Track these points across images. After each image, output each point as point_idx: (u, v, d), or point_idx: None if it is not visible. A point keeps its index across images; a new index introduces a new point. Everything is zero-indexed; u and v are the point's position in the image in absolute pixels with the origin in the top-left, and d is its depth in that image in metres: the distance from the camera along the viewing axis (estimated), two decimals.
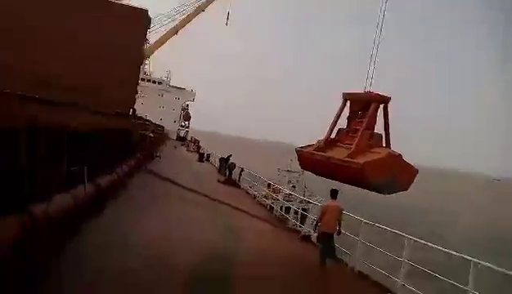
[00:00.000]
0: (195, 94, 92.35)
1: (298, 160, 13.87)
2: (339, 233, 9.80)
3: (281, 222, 15.68)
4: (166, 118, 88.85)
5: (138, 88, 76.84)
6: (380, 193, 12.18)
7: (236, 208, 16.04)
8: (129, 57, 22.89)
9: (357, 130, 12.83)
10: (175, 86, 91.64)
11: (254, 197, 21.07)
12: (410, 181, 12.60)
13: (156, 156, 31.07)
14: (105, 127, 15.90)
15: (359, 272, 9.61)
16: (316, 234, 10.74)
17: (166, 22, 70.73)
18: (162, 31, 72.09)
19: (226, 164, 28.95)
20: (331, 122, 14.21)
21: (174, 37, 73.25)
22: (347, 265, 10.40)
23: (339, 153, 12.89)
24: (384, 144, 13.00)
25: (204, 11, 72.32)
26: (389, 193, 12.34)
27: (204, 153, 42.43)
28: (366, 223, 10.21)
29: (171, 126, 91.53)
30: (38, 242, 5.30)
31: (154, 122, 68.02)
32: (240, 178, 26.11)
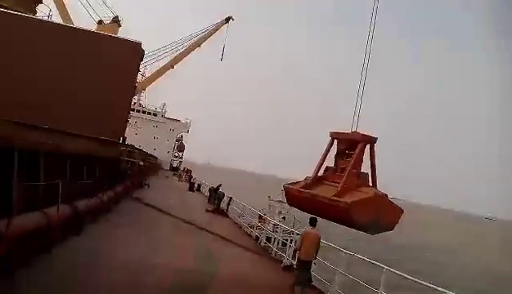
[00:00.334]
0: (189, 126, 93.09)
1: (286, 196, 14.14)
2: (315, 260, 9.87)
3: (266, 252, 15.58)
4: (160, 148, 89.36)
5: (134, 119, 77.07)
6: (366, 232, 12.51)
7: (221, 237, 15.93)
8: (121, 88, 23.39)
9: (344, 169, 13.31)
10: (170, 118, 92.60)
11: (241, 227, 20.95)
12: (396, 221, 12.94)
13: (145, 184, 31.02)
14: (89, 153, 16.12)
15: None
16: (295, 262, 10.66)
17: (162, 57, 71.98)
18: (158, 65, 73.34)
19: (215, 194, 28.87)
20: (319, 160, 14.86)
21: (170, 71, 74.54)
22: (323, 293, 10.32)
23: (326, 192, 13.32)
24: (370, 184, 13.60)
25: (200, 46, 73.91)
26: (374, 234, 12.65)
27: (194, 183, 42.28)
28: (346, 253, 10.17)
29: (165, 156, 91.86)
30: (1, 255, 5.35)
31: (147, 152, 68.72)
32: (228, 207, 26.01)
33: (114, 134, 22.59)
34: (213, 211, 24.82)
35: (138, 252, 10.32)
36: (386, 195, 13.04)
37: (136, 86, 26.44)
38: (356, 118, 14.57)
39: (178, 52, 71.82)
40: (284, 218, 34.10)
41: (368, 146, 13.86)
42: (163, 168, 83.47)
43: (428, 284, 7.51)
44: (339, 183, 13.07)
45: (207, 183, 42.38)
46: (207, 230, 16.95)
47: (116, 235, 11.87)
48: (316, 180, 14.58)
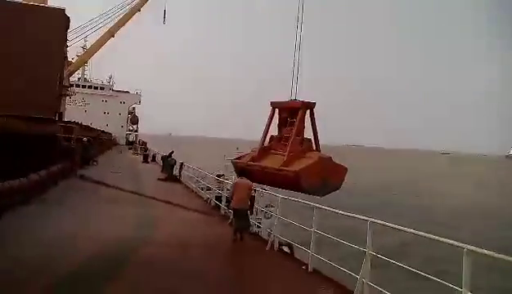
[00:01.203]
0: (140, 96, 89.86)
1: (236, 171, 14.15)
2: (252, 211, 10.11)
3: (215, 210, 15.32)
4: (112, 123, 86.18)
5: (80, 96, 73.29)
6: (316, 195, 12.85)
7: (168, 203, 15.50)
8: (47, 60, 21.61)
9: (288, 137, 13.55)
10: (119, 90, 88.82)
11: (192, 191, 20.55)
12: (342, 180, 13.46)
13: (93, 161, 29.72)
14: (16, 132, 14.89)
15: (272, 245, 9.39)
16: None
17: (100, 25, 67.82)
18: (97, 35, 69.19)
19: (167, 161, 28.12)
20: (263, 132, 14.93)
21: (112, 41, 70.59)
22: (263, 239, 10.27)
23: (274, 162, 13.64)
24: (314, 148, 13.85)
25: (140, 10, 70.09)
26: (323, 195, 13.04)
27: (148, 154, 41.20)
28: (283, 198, 10.00)
29: (119, 131, 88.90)
30: None
31: (98, 128, 65.97)
32: (180, 174, 25.44)
33: (46, 111, 21.08)
34: (164, 179, 24.24)
35: (69, 227, 9.72)
36: (330, 157, 13.54)
37: (66, 57, 24.58)
38: (295, 85, 14.76)
39: (117, 19, 67.81)
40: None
41: (308, 112, 14.18)
42: (118, 144, 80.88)
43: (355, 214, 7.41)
44: (284, 151, 13.44)
45: (163, 153, 41.45)
46: (153, 198, 16.45)
47: (48, 213, 11.16)
48: (263, 151, 14.81)
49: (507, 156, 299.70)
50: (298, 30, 15.11)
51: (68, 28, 24.56)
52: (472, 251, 4.37)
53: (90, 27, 67.52)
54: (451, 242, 4.69)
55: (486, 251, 4.26)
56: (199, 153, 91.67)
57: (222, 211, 14.24)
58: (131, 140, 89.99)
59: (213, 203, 16.14)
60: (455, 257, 5.04)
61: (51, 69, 22.04)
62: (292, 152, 13.33)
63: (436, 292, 5.98)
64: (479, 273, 4.83)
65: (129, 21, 69.83)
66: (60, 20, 22.76)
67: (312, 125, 14.37)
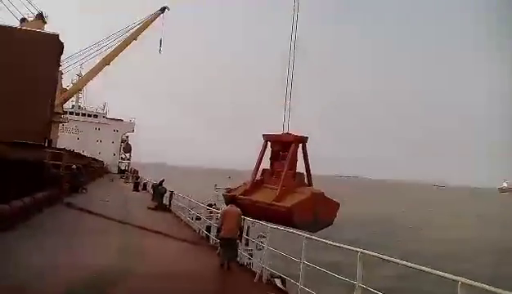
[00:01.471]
0: (134, 124, 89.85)
1: (228, 204, 13.95)
2: (241, 238, 10.01)
3: (204, 240, 14.89)
4: (105, 151, 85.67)
5: (73, 124, 72.97)
6: (308, 230, 12.83)
7: (156, 232, 15.06)
8: (39, 85, 21.47)
9: (280, 171, 13.51)
10: (112, 118, 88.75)
11: (181, 220, 20.09)
12: (333, 216, 13.44)
13: (82, 189, 29.19)
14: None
15: (260, 276, 9.02)
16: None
17: (95, 53, 68.47)
18: (93, 63, 69.74)
19: (158, 190, 27.65)
20: (255, 164, 14.90)
21: (107, 68, 71.14)
22: (252, 271, 9.88)
23: (265, 196, 13.50)
24: (306, 182, 13.79)
25: (136, 39, 71.03)
26: (316, 231, 12.96)
27: (139, 183, 40.67)
28: (272, 228, 9.71)
29: (111, 159, 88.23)
30: None
31: (92, 156, 65.39)
32: (170, 202, 24.98)
33: (34, 136, 20.77)
34: (154, 208, 23.75)
35: (49, 256, 9.28)
36: (322, 193, 13.51)
37: (58, 83, 24.48)
38: (287, 118, 14.90)
39: (113, 47, 68.52)
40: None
41: (300, 145, 14.26)
42: (110, 172, 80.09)
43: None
44: (277, 185, 13.33)
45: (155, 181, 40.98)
46: (141, 227, 15.98)
47: (28, 241, 10.70)
48: (255, 184, 14.68)
49: (500, 189, 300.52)
50: (290, 70, 15.25)
51: (61, 53, 24.57)
52: (466, 284, 4.11)
53: (86, 54, 68.27)
54: (444, 274, 4.43)
55: (481, 285, 4.00)
56: (192, 182, 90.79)
57: (212, 242, 13.83)
58: (123, 168, 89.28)
59: (202, 233, 15.71)
60: (449, 291, 4.76)
61: (42, 95, 21.89)
62: (284, 186, 13.28)
63: None
64: None
65: (124, 50, 70.70)
66: (54, 45, 22.78)
67: (305, 159, 14.50)
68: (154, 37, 73.73)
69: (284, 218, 12.16)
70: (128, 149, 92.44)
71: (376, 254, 5.76)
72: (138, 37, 70.70)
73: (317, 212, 12.47)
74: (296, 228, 12.25)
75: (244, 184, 15.90)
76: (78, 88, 74.52)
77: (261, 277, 9.10)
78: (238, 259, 11.13)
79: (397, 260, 5.29)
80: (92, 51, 68.29)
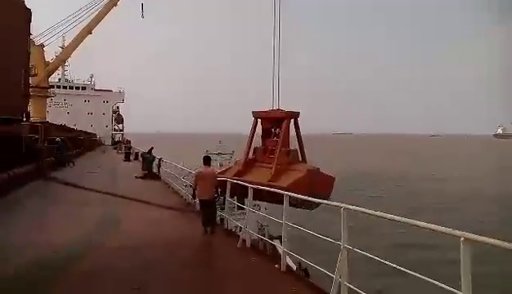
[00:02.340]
0: (123, 94, 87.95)
1: (221, 188, 13.28)
2: (218, 198, 9.84)
3: (191, 206, 14.21)
4: (97, 123, 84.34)
5: (62, 97, 70.90)
6: (307, 209, 12.39)
7: (141, 201, 14.34)
8: (9, 57, 20.12)
9: (273, 148, 13.04)
10: (101, 90, 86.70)
11: (169, 187, 19.40)
12: (330, 191, 12.93)
13: (70, 162, 28.36)
14: None
15: (244, 241, 8.35)
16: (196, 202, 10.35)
17: (76, 23, 65.74)
18: (74, 33, 67.09)
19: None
20: (247, 143, 14.25)
21: (91, 38, 68.54)
22: (238, 235, 9.22)
23: (260, 176, 12.95)
24: (300, 158, 13.34)
25: (116, 5, 68.05)
26: (314, 208, 12.41)
27: (130, 153, 39.81)
28: (252, 187, 8.94)
29: (104, 131, 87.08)
30: None
31: (83, 129, 64.24)
32: (159, 170, 24.23)
33: (10, 110, 19.67)
34: (142, 177, 23.02)
35: (19, 232, 8.63)
36: (318, 169, 12.93)
37: (29, 53, 23.06)
38: (276, 94, 14.11)
39: (94, 15, 65.76)
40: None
41: (292, 121, 13.52)
42: (104, 144, 79.06)
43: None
44: (270, 164, 12.66)
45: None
46: (126, 197, 15.26)
47: (1, 218, 9.95)
48: (248, 164, 13.94)
49: (495, 135, 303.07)
50: (276, 37, 14.25)
51: (30, 21, 23.04)
52: (470, 239, 3.32)
53: (67, 24, 65.67)
54: (444, 230, 3.63)
55: (488, 239, 3.21)
56: (185, 148, 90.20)
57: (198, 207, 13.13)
58: (117, 139, 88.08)
59: (188, 200, 15.01)
60: (451, 247, 3.98)
61: (13, 67, 20.60)
62: (279, 164, 12.70)
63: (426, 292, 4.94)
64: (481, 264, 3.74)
65: (107, 16, 67.93)
66: (20, 12, 21.29)
67: (298, 135, 14.02)
68: (136, 2, 70.91)
69: (281, 198, 11.62)
70: (119, 119, 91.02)
71: (362, 209, 4.97)
72: (118, 3, 67.83)
73: (314, 189, 11.98)
74: (294, 207, 11.90)
75: (235, 163, 15.37)
76: (61, 60, 71.99)
77: (244, 241, 8.40)
78: (224, 223, 10.50)
79: (386, 215, 4.48)
80: (73, 20, 65.73)
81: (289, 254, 6.76)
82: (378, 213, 4.70)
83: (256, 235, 8.55)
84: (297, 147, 14.22)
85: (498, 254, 3.48)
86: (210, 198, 9.53)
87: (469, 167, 78.81)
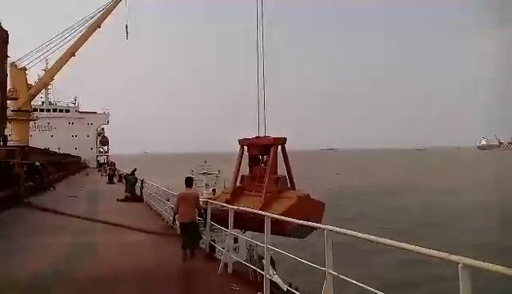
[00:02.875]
0: (108, 116, 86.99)
1: (211, 218, 12.85)
2: (205, 223, 9.59)
3: (172, 229, 13.58)
4: (81, 146, 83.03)
5: (45, 120, 69.76)
6: (299, 237, 12.21)
7: (120, 226, 13.65)
8: None
9: (262, 176, 12.79)
10: (85, 112, 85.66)
11: (151, 209, 18.72)
12: (321, 216, 12.59)
13: (50, 187, 27.44)
14: None
15: (225, 266, 7.81)
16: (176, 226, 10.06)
17: (59, 45, 65.17)
18: (57, 55, 66.43)
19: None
20: (234, 171, 13.95)
21: (74, 60, 67.87)
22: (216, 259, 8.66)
23: (250, 205, 12.47)
24: (289, 185, 13.03)
25: (100, 27, 67.80)
26: (306, 236, 12.10)
27: (114, 174, 38.95)
28: (233, 209, 8.43)
29: (89, 154, 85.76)
30: None
31: (66, 152, 62.98)
32: (142, 191, 23.51)
33: None
34: (125, 200, 22.27)
35: None
36: (308, 195, 12.62)
37: (6, 75, 22.41)
38: (263, 122, 13.93)
39: (76, 38, 65.30)
40: (214, 190, 32.31)
41: (279, 147, 13.26)
42: (88, 167, 77.62)
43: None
44: (260, 192, 12.29)
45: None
46: (105, 222, 14.53)
47: None
48: (236, 192, 13.56)
49: (479, 146, 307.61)
50: (260, 66, 14.06)
51: (7, 42, 22.51)
52: (470, 265, 2.88)
53: (50, 47, 65.03)
54: (440, 255, 3.18)
55: (488, 265, 2.77)
56: (172, 168, 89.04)
57: (178, 230, 12.52)
58: (102, 161, 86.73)
59: (170, 223, 14.37)
60: (448, 272, 3.53)
61: None
62: (268, 192, 12.21)
63: None
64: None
65: (91, 38, 67.53)
66: None
67: (285, 160, 13.53)
68: (120, 24, 70.85)
69: (273, 227, 11.13)
70: (104, 141, 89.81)
71: (347, 231, 4.50)
72: (102, 25, 67.57)
73: (306, 216, 11.50)
74: (287, 236, 11.47)
75: (223, 192, 14.99)
76: (45, 82, 71.02)
77: (226, 266, 7.85)
78: (204, 246, 9.93)
79: (376, 238, 4.01)
80: (56, 42, 65.15)
81: (272, 278, 6.21)
82: (366, 236, 4.23)
83: (235, 258, 7.95)
84: (285, 173, 13.87)
85: (501, 279, 3.04)
86: (192, 221, 9.19)
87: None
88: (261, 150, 13.57)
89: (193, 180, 10.22)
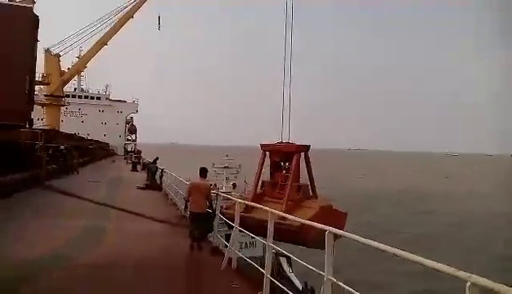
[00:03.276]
0: (137, 105, 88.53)
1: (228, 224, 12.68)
2: (212, 214, 9.31)
3: (185, 220, 13.45)
4: (110, 133, 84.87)
5: (77, 106, 71.59)
6: (320, 248, 11.35)
7: (136, 213, 13.62)
8: (14, 63, 19.90)
9: (283, 184, 12.51)
10: (115, 100, 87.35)
11: (169, 199, 18.72)
12: (343, 227, 12.11)
13: (74, 171, 27.99)
14: None
15: (229, 261, 7.53)
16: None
17: (93, 34, 66.63)
18: (90, 43, 67.96)
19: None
20: (255, 177, 13.66)
21: (106, 49, 69.24)
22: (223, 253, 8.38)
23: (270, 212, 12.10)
24: (311, 194, 12.72)
25: (133, 17, 68.81)
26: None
27: (137, 163, 39.44)
28: (240, 202, 8.15)
29: (117, 141, 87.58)
30: None
31: (95, 139, 64.48)
32: (161, 181, 23.59)
33: (13, 117, 19.35)
34: (144, 188, 22.40)
35: None
36: (331, 205, 12.25)
37: (35, 59, 22.84)
38: (287, 128, 13.54)
39: (110, 27, 66.55)
40: (234, 185, 32.19)
41: (302, 154, 12.91)
42: (116, 154, 79.29)
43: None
44: (281, 199, 12.02)
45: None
46: (121, 209, 14.56)
47: None
48: (256, 198, 13.26)
49: None
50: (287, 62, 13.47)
51: (37, 28, 22.91)
52: (478, 285, 2.47)
53: (84, 35, 66.59)
54: (444, 269, 2.78)
55: (498, 286, 2.37)
56: (196, 160, 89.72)
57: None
58: (129, 149, 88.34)
59: (183, 212, 14.25)
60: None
61: (18, 73, 20.35)
62: (290, 200, 11.73)
63: None
64: None
65: (123, 28, 68.68)
66: (28, 18, 21.14)
67: (308, 168, 12.91)
68: (152, 15, 71.72)
69: (295, 237, 10.66)
70: (133, 130, 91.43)
71: (351, 235, 4.11)
72: (135, 15, 68.58)
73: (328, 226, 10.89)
74: (308, 246, 10.93)
75: (243, 197, 14.69)
76: (77, 70, 72.92)
77: (230, 262, 7.57)
78: (211, 239, 9.70)
79: (378, 245, 3.61)
80: (89, 31, 66.67)
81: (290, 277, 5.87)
82: (371, 242, 3.83)
83: (239, 254, 7.66)
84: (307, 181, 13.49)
85: None
86: (202, 212, 9.14)
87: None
88: (283, 157, 13.24)
89: (207, 171, 10.04)
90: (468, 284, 2.51)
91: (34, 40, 22.95)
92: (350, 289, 3.71)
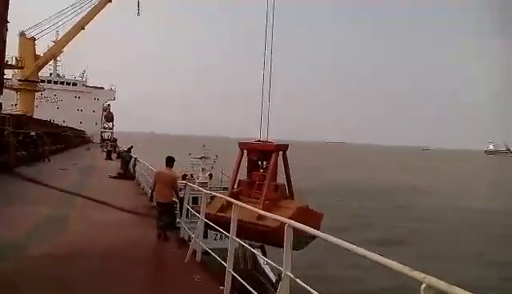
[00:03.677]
0: (115, 92, 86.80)
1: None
2: (181, 206, 9.51)
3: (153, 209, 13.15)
4: (86, 121, 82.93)
5: (52, 92, 69.38)
6: (296, 249, 11.25)
7: (103, 202, 13.21)
8: None
9: (260, 183, 12.46)
10: (92, 86, 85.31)
11: (139, 187, 18.32)
12: (319, 227, 12.19)
13: (45, 158, 27.14)
14: None
15: (194, 253, 7.32)
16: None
17: (70, 17, 64.70)
18: (67, 28, 65.95)
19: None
20: (232, 176, 13.60)
21: (83, 33, 67.34)
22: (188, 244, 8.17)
23: (247, 212, 11.87)
24: (287, 194, 12.73)
25: (111, 1, 67.12)
26: (304, 247, 11.51)
27: (112, 151, 38.66)
28: (206, 194, 7.91)
29: (94, 128, 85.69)
30: None
31: (70, 126, 62.83)
32: (134, 169, 23.10)
33: None
34: (116, 176, 21.88)
35: None
36: (307, 205, 12.18)
37: (5, 42, 21.86)
38: (265, 127, 13.31)
39: (86, 11, 64.77)
40: (210, 175, 31.81)
41: (280, 154, 12.64)
42: (92, 141, 77.62)
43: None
44: (257, 199, 11.89)
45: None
46: (87, 197, 14.12)
47: None
48: (232, 197, 13.05)
49: (485, 151, 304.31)
50: (267, 68, 13.28)
51: (7, 7, 21.94)
52: (434, 287, 2.31)
53: (61, 18, 64.61)
54: (399, 267, 2.61)
55: (453, 289, 2.22)
56: (174, 150, 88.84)
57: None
58: (106, 137, 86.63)
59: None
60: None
61: None
62: (267, 200, 11.68)
63: None
64: None
65: (101, 12, 66.92)
66: None
67: (285, 168, 12.90)
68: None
69: (270, 238, 10.65)
70: (109, 117, 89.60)
71: (307, 227, 3.93)
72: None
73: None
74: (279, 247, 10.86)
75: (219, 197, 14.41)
76: (53, 54, 70.87)
77: (194, 254, 7.34)
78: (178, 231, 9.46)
79: (335, 240, 3.44)
80: (66, 14, 64.70)
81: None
82: (325, 236, 3.66)
83: (204, 247, 7.41)
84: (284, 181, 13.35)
85: None
86: (167, 202, 9.03)
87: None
88: (261, 155, 13.09)
89: (174, 160, 9.61)
90: (423, 286, 2.35)
91: (4, 21, 21.96)
92: (306, 286, 3.53)
